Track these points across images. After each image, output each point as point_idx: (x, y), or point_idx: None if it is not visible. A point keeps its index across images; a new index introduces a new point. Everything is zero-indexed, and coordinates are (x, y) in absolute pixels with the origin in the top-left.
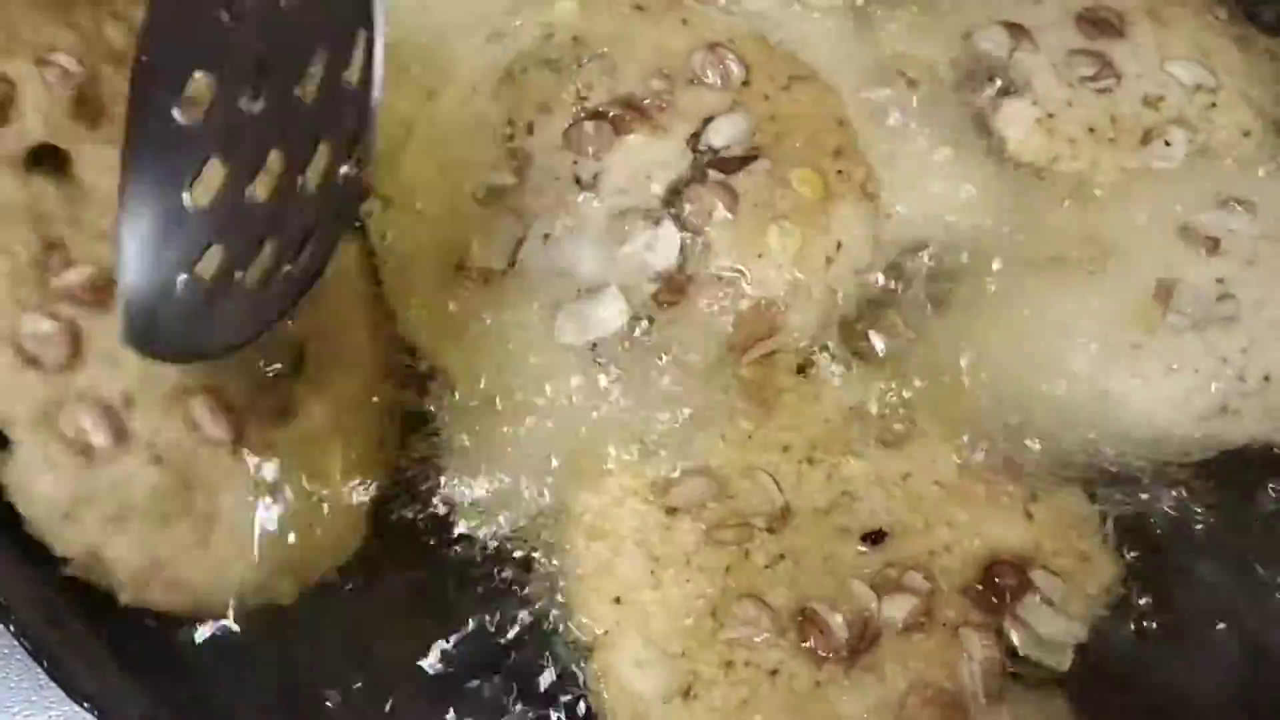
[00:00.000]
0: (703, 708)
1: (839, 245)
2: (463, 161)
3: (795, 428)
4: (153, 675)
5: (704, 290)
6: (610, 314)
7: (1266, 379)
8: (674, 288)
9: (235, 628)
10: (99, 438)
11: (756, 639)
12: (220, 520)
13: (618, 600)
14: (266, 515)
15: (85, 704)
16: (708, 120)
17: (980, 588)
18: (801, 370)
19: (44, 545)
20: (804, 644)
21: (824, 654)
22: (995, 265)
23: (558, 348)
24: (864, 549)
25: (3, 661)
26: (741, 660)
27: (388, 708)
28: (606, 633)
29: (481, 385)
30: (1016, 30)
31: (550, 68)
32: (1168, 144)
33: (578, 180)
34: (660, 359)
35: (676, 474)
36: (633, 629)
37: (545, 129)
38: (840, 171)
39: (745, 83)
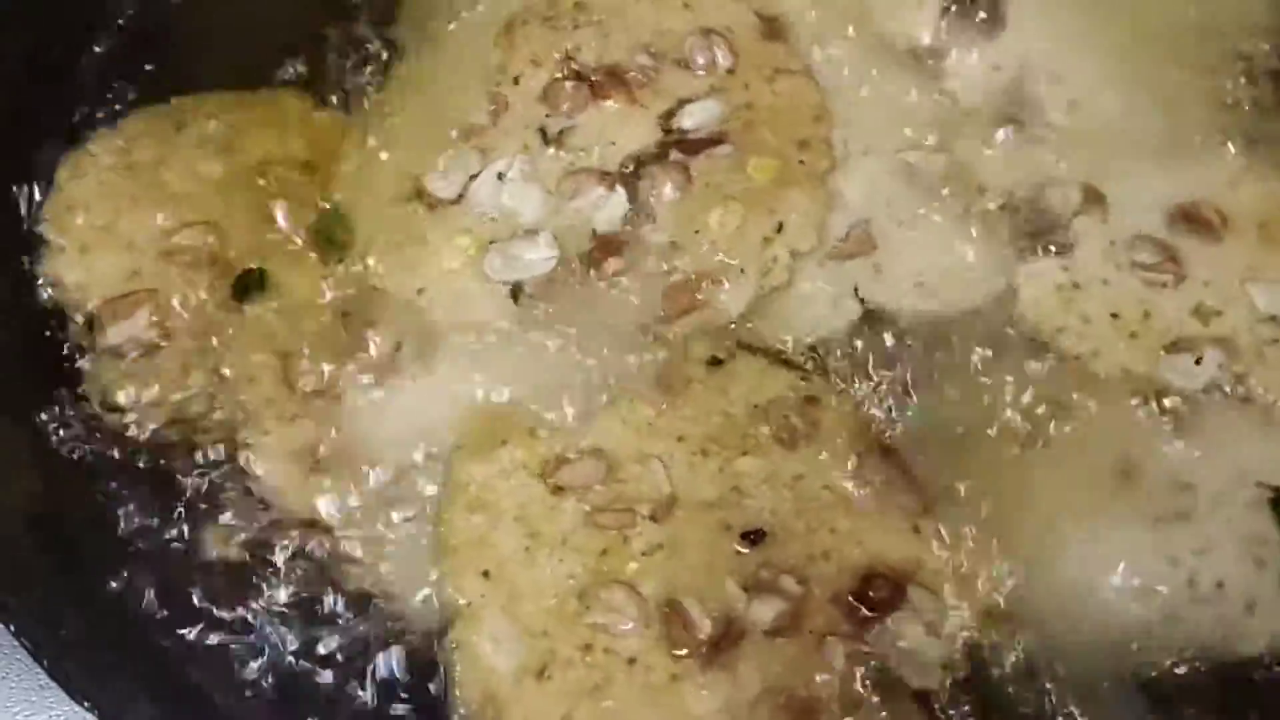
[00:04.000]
0: (555, 689)
1: (780, 226)
2: (447, 98)
3: (697, 419)
4: (153, 675)
5: (637, 255)
6: (539, 258)
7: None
8: (608, 248)
9: None
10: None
11: (620, 626)
12: None
13: (486, 574)
14: None
15: (85, 704)
16: (684, 102)
17: (852, 598)
18: (715, 363)
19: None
20: (666, 636)
21: (683, 649)
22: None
23: (484, 282)
24: (742, 548)
25: (3, 661)
26: (601, 645)
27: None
28: (469, 604)
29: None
30: (1094, 197)
31: (549, 25)
32: (1197, 362)
33: (543, 132)
34: (582, 318)
35: (570, 454)
36: (497, 604)
37: (530, 81)
38: (802, 162)
39: (730, 71)
